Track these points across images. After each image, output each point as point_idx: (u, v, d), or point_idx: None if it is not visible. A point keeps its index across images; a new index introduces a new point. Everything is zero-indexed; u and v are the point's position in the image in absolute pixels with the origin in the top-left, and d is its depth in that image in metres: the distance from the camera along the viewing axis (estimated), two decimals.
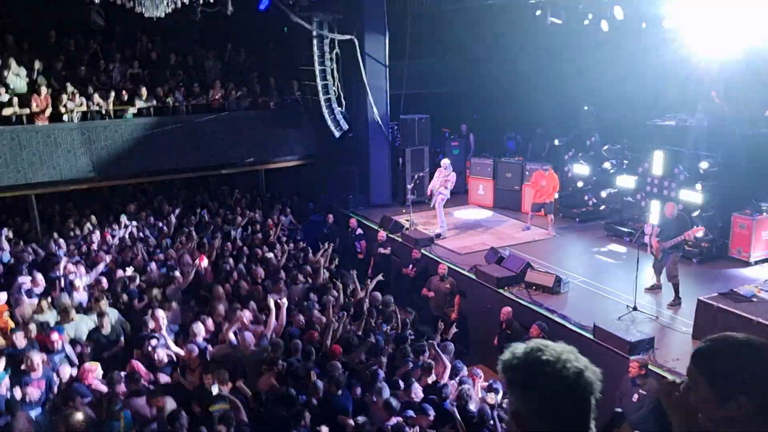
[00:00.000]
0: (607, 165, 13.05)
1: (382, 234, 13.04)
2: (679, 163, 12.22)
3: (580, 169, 14.26)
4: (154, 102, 13.80)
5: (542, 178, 12.60)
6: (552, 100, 15.30)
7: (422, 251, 12.35)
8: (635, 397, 7.35)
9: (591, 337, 8.71)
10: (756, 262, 11.39)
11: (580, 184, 13.85)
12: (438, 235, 13.24)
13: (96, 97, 13.24)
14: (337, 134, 14.62)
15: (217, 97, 14.42)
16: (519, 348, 1.91)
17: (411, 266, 11.93)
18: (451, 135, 16.79)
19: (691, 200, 11.69)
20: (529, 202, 14.51)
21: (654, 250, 9.80)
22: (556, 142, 14.88)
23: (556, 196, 12.62)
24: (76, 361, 7.55)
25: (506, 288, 10.37)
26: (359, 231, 13.58)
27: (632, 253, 10.71)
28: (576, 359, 1.87)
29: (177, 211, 13.23)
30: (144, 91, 13.87)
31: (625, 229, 12.92)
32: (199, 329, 7.93)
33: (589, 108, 14.34)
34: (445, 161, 13.45)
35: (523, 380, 1.84)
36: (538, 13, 13.00)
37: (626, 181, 13.29)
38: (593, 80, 14.02)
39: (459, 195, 15.85)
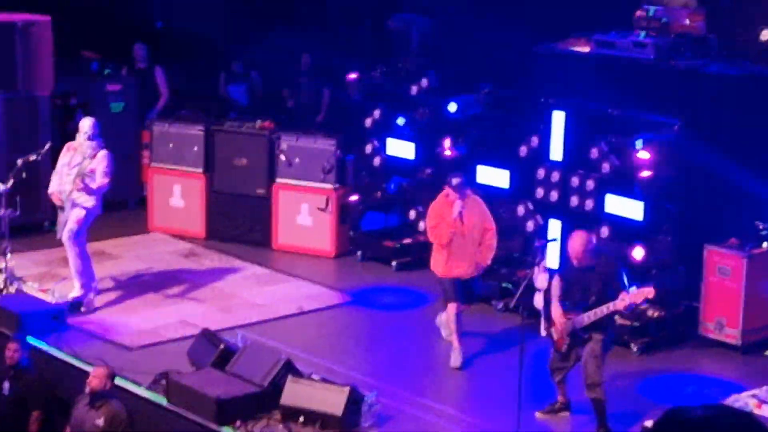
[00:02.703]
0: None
1: None
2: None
3: (401, 150, 13.70)
4: None
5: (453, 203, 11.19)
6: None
7: (33, 343, 11.56)
8: None
9: None
10: None
11: None
12: (77, 304, 11.98)
13: None
14: None
15: None
16: None
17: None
18: (104, 66, 15.74)
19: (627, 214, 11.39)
20: (289, 232, 13.84)
21: (555, 330, 9.65)
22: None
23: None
24: None
25: (237, 426, 9.77)
26: None
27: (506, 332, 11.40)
28: None
29: None
30: None
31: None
32: None
33: None
34: (86, 124, 12.04)
35: None
36: None
37: (498, 178, 12.65)
38: None
39: (128, 209, 15.32)
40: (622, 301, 9.24)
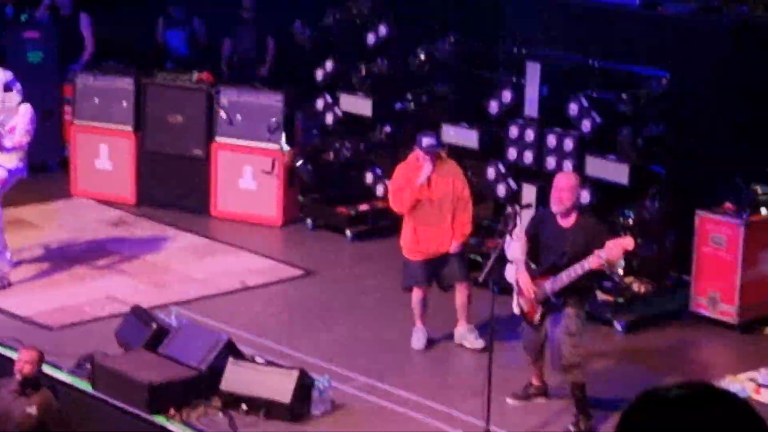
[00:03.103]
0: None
1: None
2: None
3: (357, 105, 13.78)
4: None
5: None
6: None
7: None
8: None
9: None
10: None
11: None
12: None
13: None
14: None
15: None
16: None
17: None
18: (20, 10, 15.79)
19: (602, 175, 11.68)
20: (231, 197, 14.11)
21: (524, 300, 9.70)
22: None
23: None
24: None
25: (172, 414, 9.83)
26: None
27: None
28: None
29: None
30: None
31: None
32: None
33: None
34: None
35: None
36: None
37: (466, 138, 12.76)
38: None
39: (49, 172, 15.29)
40: (596, 258, 9.03)
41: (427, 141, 10.85)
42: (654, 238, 11.27)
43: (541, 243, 9.54)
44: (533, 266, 9.61)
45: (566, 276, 9.18)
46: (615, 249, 9.17)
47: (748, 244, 10.86)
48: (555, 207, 9.38)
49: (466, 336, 11.14)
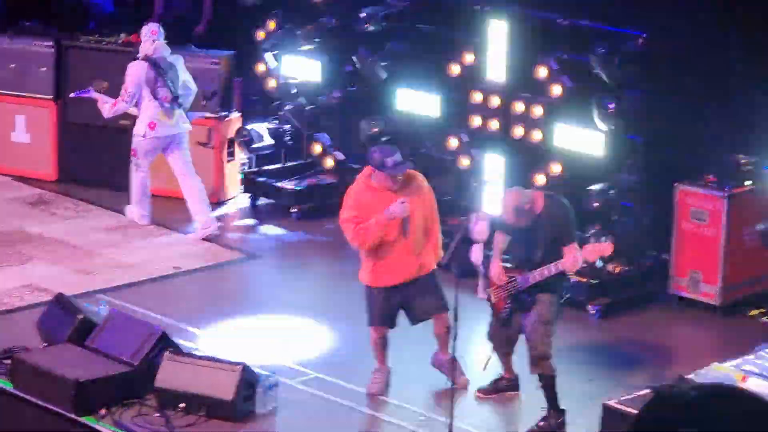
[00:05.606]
0: None
1: None
2: None
3: (303, 69, 13.89)
4: None
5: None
6: None
7: None
8: None
9: None
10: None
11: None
12: None
13: None
14: None
15: None
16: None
17: None
18: None
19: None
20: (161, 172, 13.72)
21: (493, 292, 9.82)
22: None
23: None
24: None
25: (102, 415, 9.64)
26: None
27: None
28: None
29: None
30: None
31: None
32: None
33: None
34: None
35: None
36: None
37: (425, 104, 12.82)
38: None
39: None
40: (572, 260, 9.16)
41: (392, 159, 9.73)
42: (631, 215, 11.22)
43: (511, 233, 9.55)
44: (506, 257, 9.53)
45: (539, 274, 9.23)
46: (592, 254, 9.36)
47: (731, 219, 10.83)
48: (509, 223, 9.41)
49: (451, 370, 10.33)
